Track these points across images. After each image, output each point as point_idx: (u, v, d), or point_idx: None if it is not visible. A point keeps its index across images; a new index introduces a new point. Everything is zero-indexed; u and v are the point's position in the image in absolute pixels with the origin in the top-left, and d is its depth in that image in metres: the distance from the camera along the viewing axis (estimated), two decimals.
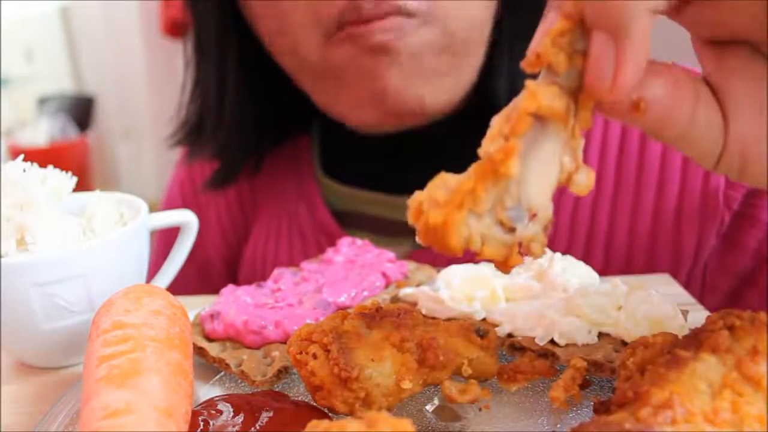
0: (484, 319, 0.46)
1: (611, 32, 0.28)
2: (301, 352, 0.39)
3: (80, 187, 0.57)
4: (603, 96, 0.30)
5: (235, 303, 0.51)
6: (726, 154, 0.33)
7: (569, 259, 0.50)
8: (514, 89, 0.67)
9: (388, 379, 0.38)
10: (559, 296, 0.46)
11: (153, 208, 0.58)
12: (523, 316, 0.45)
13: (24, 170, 0.53)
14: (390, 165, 0.74)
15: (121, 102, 3.93)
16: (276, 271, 0.57)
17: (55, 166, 0.55)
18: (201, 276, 0.87)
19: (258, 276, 0.80)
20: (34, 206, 0.51)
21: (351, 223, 0.76)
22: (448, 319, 0.45)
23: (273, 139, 0.80)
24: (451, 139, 0.68)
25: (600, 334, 0.43)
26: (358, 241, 0.60)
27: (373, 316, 0.40)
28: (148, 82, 3.54)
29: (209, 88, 0.73)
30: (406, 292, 0.52)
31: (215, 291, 0.85)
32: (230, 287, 0.54)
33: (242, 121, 0.74)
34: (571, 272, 0.48)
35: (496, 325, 0.45)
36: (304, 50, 0.63)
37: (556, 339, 0.43)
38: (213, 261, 0.86)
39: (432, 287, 0.49)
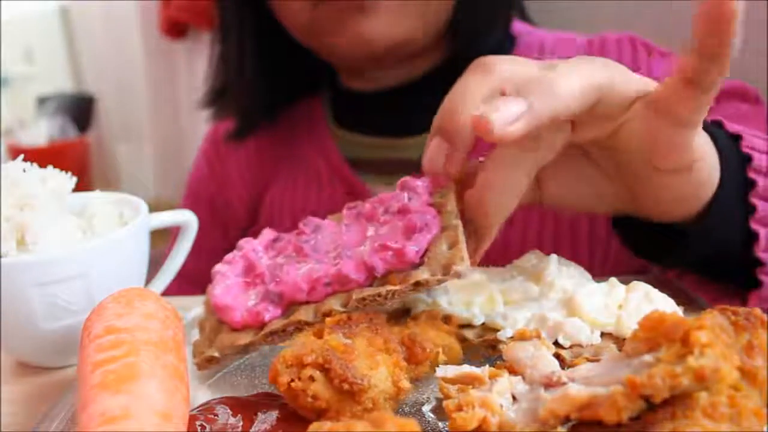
0: (483, 324, 0.46)
1: (477, 232, 0.45)
2: (293, 380, 0.37)
3: (80, 187, 0.57)
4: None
5: (223, 281, 0.49)
6: (542, 202, 0.51)
7: (562, 260, 0.49)
8: (475, 46, 0.79)
9: (387, 382, 0.38)
10: (557, 297, 0.46)
11: (153, 208, 0.58)
12: (525, 319, 0.44)
13: (24, 170, 0.53)
14: (392, 113, 0.85)
15: (121, 102, 3.92)
16: (301, 224, 0.51)
17: (55, 166, 0.55)
18: (224, 233, 0.96)
19: (276, 218, 0.90)
20: (34, 206, 0.51)
21: (359, 167, 0.86)
22: (415, 315, 0.45)
23: (285, 98, 0.92)
24: (439, 86, 0.77)
25: (602, 334, 0.43)
26: (416, 188, 0.47)
27: (350, 326, 0.40)
28: (148, 82, 3.54)
29: (231, 59, 0.87)
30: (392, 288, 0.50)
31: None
32: (246, 240, 0.51)
33: (258, 85, 0.87)
34: (566, 273, 0.48)
35: (498, 330, 0.45)
36: (295, 14, 0.76)
37: (561, 341, 0.43)
38: (237, 213, 0.96)
39: (429, 294, 0.49)
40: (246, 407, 0.39)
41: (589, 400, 0.31)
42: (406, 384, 0.39)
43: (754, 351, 0.31)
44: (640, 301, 0.44)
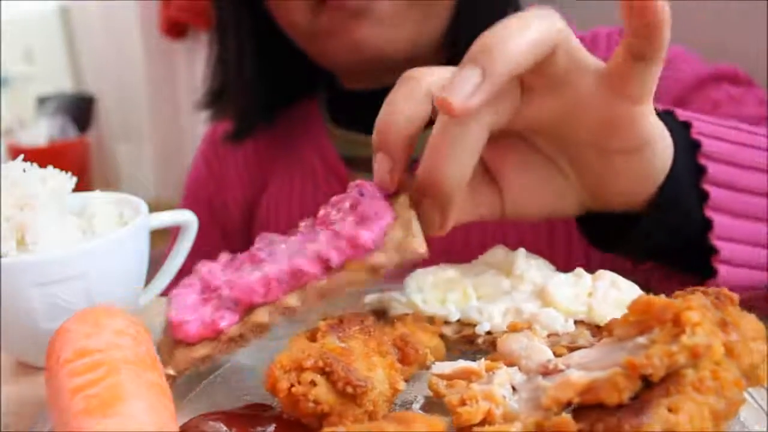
0: (459, 320, 0.47)
1: (437, 202, 0.43)
2: (293, 385, 0.36)
3: (80, 187, 0.57)
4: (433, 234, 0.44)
5: (179, 301, 0.46)
6: (505, 213, 0.50)
7: (528, 254, 0.51)
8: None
9: (384, 384, 0.38)
10: (528, 290, 0.47)
11: (153, 208, 0.58)
12: (500, 313, 0.46)
13: (24, 170, 0.53)
14: None
15: (121, 102, 3.92)
16: (258, 239, 0.49)
17: (55, 166, 0.55)
18: (222, 234, 0.97)
19: (272, 219, 0.90)
20: (34, 206, 0.51)
21: (355, 165, 0.86)
22: (401, 317, 0.46)
23: (283, 100, 0.92)
24: None
25: (575, 322, 0.45)
26: (367, 186, 0.46)
27: (343, 329, 0.40)
28: (148, 82, 3.54)
29: (229, 61, 0.87)
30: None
31: (233, 249, 0.94)
32: (203, 263, 0.50)
33: (256, 86, 0.87)
34: (534, 265, 0.49)
35: (473, 324, 0.46)
36: (295, 17, 0.76)
37: (537, 331, 0.44)
38: (232, 215, 0.96)
39: (403, 293, 0.49)
40: (240, 420, 0.39)
41: (590, 384, 0.32)
42: (402, 385, 0.39)
43: (728, 327, 0.34)
44: (608, 289, 0.46)
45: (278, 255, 0.44)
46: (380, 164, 0.45)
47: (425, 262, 0.47)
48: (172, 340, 0.46)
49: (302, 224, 0.47)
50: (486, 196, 0.50)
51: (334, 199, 0.46)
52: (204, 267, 0.48)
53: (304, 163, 0.89)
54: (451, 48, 0.79)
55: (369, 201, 0.43)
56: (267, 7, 0.80)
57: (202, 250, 0.73)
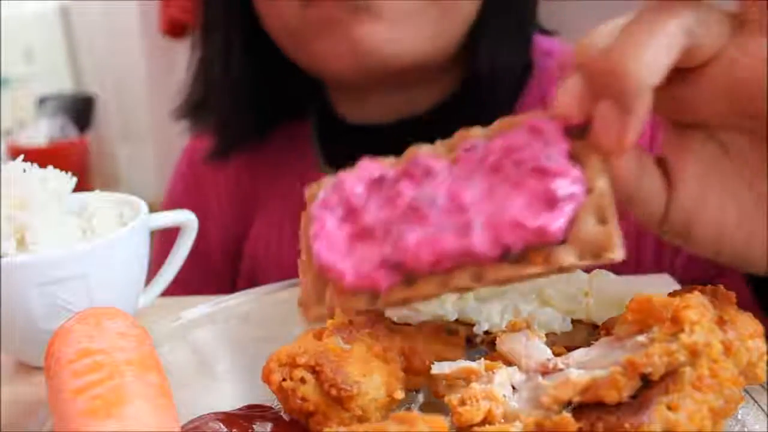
0: (457, 320, 0.46)
1: (620, 105, 0.33)
2: (284, 379, 0.37)
3: (80, 187, 0.57)
4: (608, 152, 0.35)
5: (323, 231, 0.41)
6: (669, 221, 0.38)
7: None
8: (494, 70, 0.70)
9: (379, 391, 0.38)
10: (525, 289, 0.47)
11: (153, 208, 0.58)
12: (498, 312, 0.46)
13: (24, 170, 0.53)
14: (389, 154, 0.77)
15: (121, 102, 3.92)
16: (410, 163, 0.41)
17: (55, 166, 0.55)
18: (202, 271, 0.87)
19: (262, 267, 0.81)
20: (34, 206, 0.51)
21: None
22: (418, 323, 0.45)
23: (271, 117, 0.82)
24: (442, 127, 0.70)
25: (572, 321, 0.45)
26: (541, 156, 0.37)
27: (350, 330, 0.40)
28: (148, 82, 3.54)
29: (214, 66, 0.77)
30: None
31: (216, 287, 0.87)
32: (345, 177, 0.42)
33: (242, 97, 0.77)
34: None
35: (472, 324, 0.46)
36: (284, 12, 0.66)
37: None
38: (213, 253, 0.87)
39: None
40: (240, 420, 0.39)
41: (590, 383, 0.33)
42: (400, 394, 0.38)
43: (726, 325, 0.34)
44: (604, 287, 0.46)
45: (442, 207, 0.38)
46: (573, 86, 0.36)
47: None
48: (317, 270, 0.41)
49: (462, 154, 0.39)
50: (652, 183, 0.38)
51: (509, 141, 0.38)
52: (347, 182, 0.42)
53: (294, 204, 0.80)
54: (469, 60, 0.70)
55: (560, 169, 0.36)
56: (256, 8, 0.71)
57: (181, 279, 0.65)
